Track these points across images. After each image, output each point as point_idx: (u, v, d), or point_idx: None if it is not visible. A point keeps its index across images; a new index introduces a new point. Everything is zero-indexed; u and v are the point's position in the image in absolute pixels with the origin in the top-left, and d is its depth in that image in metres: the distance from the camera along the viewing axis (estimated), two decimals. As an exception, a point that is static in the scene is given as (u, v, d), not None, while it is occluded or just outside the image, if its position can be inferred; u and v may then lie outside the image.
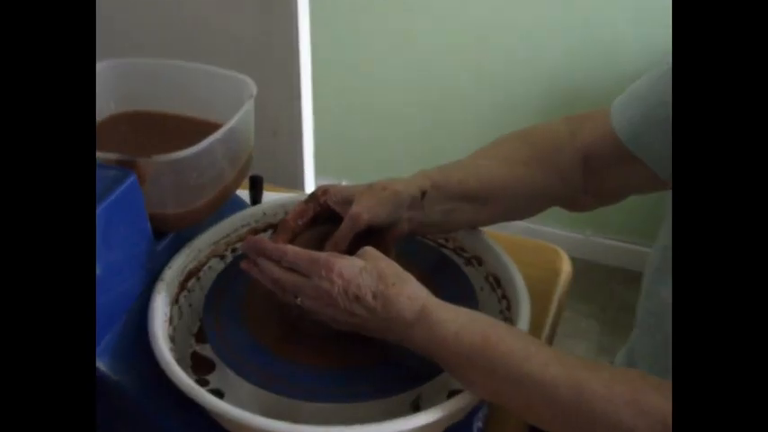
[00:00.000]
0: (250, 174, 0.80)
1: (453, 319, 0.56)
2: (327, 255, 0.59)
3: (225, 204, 0.74)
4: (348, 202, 0.67)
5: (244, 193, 0.83)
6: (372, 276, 0.58)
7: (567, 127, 0.71)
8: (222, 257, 0.76)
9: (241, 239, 0.77)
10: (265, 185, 0.86)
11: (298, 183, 1.25)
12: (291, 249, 0.61)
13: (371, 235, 0.66)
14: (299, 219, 0.69)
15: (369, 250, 0.61)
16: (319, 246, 0.66)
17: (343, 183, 0.74)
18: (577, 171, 0.70)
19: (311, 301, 0.59)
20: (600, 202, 0.73)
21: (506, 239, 0.76)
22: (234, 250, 0.76)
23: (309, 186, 1.27)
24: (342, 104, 2.14)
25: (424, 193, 0.68)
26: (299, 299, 0.60)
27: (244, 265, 0.64)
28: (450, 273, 0.73)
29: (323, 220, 0.70)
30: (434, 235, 0.78)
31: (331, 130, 1.94)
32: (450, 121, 2.09)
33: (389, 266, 0.59)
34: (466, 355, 0.55)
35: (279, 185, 0.97)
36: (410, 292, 0.58)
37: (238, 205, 0.80)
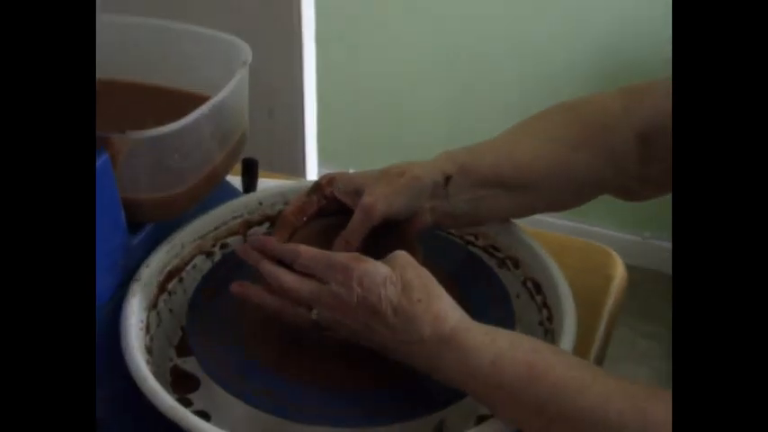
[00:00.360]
0: (243, 156, 0.81)
1: (489, 345, 0.56)
2: (346, 257, 0.59)
3: (213, 191, 0.74)
4: (358, 192, 0.67)
5: (235, 180, 0.84)
6: (396, 288, 0.58)
7: (621, 101, 0.71)
8: (209, 255, 0.76)
9: (232, 233, 0.77)
10: (261, 171, 0.87)
11: (298, 169, 1.26)
12: (305, 250, 0.61)
13: (389, 230, 0.67)
14: (300, 214, 0.69)
15: (399, 255, 0.60)
16: (323, 243, 0.65)
17: (351, 171, 0.74)
18: (633, 152, 0.70)
19: (330, 311, 0.59)
20: (660, 191, 0.73)
21: (548, 237, 0.76)
22: (223, 246, 0.77)
23: (311, 173, 1.28)
24: (350, 77, 2.14)
25: (448, 179, 0.68)
26: (314, 311, 0.60)
27: (236, 288, 0.64)
28: (480, 276, 0.73)
29: (328, 214, 0.70)
30: (461, 229, 0.78)
31: (337, 108, 1.94)
32: (479, 96, 2.09)
33: (418, 278, 0.59)
34: (507, 389, 0.55)
35: (276, 171, 0.98)
36: (438, 311, 0.57)
37: (229, 193, 0.80)
